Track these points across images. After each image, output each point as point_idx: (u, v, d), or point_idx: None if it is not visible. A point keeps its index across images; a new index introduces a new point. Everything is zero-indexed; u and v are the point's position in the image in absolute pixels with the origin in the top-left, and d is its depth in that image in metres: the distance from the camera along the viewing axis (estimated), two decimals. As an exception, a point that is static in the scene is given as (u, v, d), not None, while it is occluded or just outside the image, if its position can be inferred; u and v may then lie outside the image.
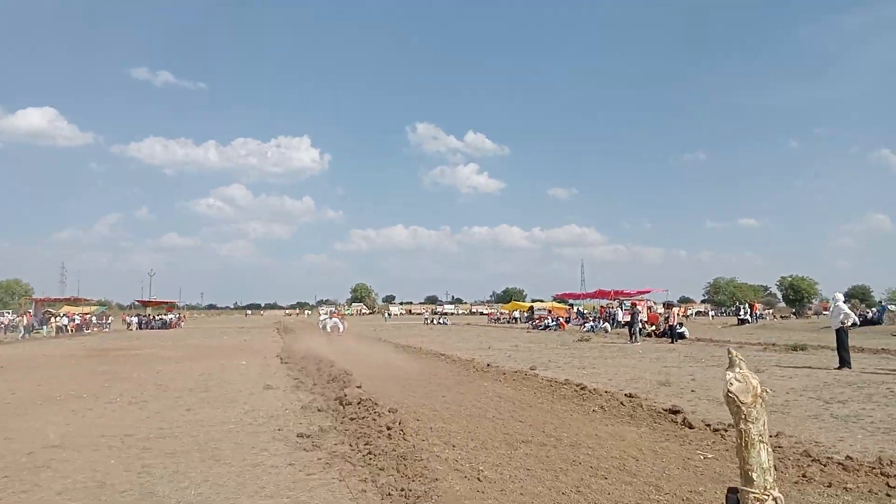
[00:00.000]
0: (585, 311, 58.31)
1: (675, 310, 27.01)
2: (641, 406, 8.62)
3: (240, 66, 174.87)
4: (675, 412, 8.15)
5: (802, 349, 19.74)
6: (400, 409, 8.61)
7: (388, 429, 6.89)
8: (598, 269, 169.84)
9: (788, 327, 40.47)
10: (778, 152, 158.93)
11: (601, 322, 38.75)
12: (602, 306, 47.71)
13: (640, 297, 46.42)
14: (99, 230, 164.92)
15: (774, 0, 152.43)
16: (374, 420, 7.61)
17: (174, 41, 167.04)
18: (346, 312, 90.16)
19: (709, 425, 7.46)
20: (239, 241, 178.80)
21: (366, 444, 6.47)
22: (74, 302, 61.69)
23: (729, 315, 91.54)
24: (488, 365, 14.98)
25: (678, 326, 25.96)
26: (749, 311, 45.43)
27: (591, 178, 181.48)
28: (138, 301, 78.31)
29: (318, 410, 8.87)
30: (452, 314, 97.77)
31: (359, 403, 8.79)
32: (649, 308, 45.65)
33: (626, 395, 9.74)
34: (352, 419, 8.07)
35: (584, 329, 37.36)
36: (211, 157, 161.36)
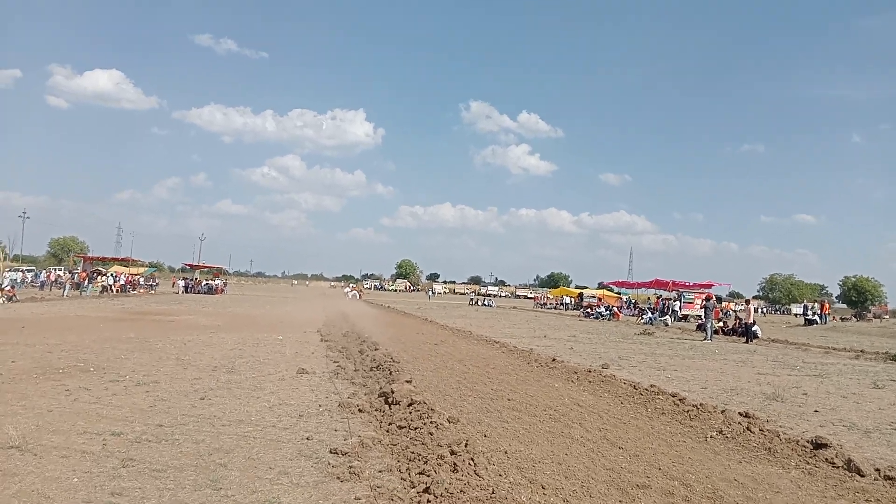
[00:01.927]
0: (635, 301, 55.78)
1: (752, 306, 24.53)
2: (777, 435, 6.62)
3: (301, 38, 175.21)
4: (822, 445, 6.15)
5: (904, 360, 17.27)
6: (461, 417, 6.82)
7: (452, 453, 5.08)
8: (646, 258, 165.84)
9: (862, 331, 37.42)
10: (840, 147, 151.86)
11: (660, 314, 36.35)
12: (658, 297, 45.07)
13: (701, 289, 43.64)
14: (157, 193, 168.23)
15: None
16: (431, 434, 5.82)
17: (239, 9, 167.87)
18: (366, 287, 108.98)
19: (878, 470, 5.47)
20: (291, 210, 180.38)
21: (422, 476, 4.68)
22: (125, 262, 61.80)
23: (783, 313, 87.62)
24: (553, 359, 13.07)
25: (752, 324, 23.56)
26: (819, 311, 42.28)
27: (645, 165, 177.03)
28: (187, 265, 78.43)
29: (360, 411, 7.13)
30: (497, 296, 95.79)
31: (409, 406, 7.03)
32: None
33: (740, 414, 7.76)
34: (400, 427, 6.31)
35: (643, 321, 35.06)
36: (268, 126, 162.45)
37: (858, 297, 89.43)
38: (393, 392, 7.65)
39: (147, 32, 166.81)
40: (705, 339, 22.74)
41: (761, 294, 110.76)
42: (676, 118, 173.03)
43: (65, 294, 38.42)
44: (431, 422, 6.22)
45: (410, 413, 6.71)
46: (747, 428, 6.89)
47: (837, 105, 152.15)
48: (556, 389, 9.48)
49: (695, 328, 29.62)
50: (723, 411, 7.85)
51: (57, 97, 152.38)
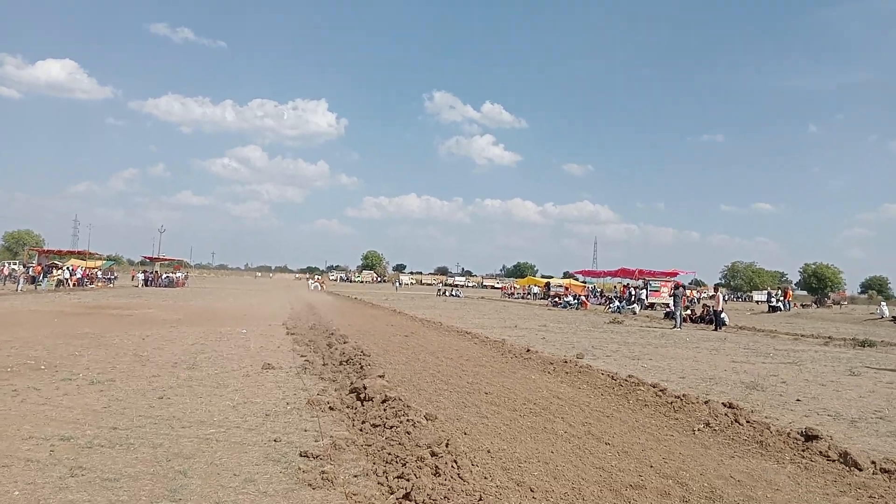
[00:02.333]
0: (601, 290, 56.12)
1: (720, 294, 24.65)
2: (766, 427, 6.40)
3: (260, 27, 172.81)
4: (813, 437, 5.95)
5: (871, 345, 17.45)
6: (438, 414, 6.46)
7: (433, 454, 4.72)
8: (610, 247, 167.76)
9: (825, 317, 38.17)
10: (797, 137, 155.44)
11: (627, 302, 36.49)
12: (624, 286, 45.32)
13: (667, 278, 44.01)
14: (114, 185, 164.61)
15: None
16: (409, 434, 5.45)
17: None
18: (331, 279, 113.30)
19: (874, 463, 5.27)
20: (253, 202, 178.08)
21: (401, 480, 4.31)
22: (82, 255, 59.97)
23: (745, 300, 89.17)
24: (527, 350, 12.79)
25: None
26: (783, 298, 42.95)
27: (607, 156, 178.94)
28: (146, 257, 76.62)
29: (330, 409, 6.72)
30: (464, 286, 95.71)
31: (384, 402, 6.64)
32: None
33: (724, 405, 7.55)
34: (375, 426, 5.92)
35: (611, 309, 35.14)
36: (228, 116, 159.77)
37: (818, 284, 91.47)
38: (365, 388, 7.25)
39: (101, 21, 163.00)
40: (675, 327, 22.77)
41: (723, 282, 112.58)
42: (638, 109, 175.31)
43: (18, 289, 36.97)
44: (408, 419, 5.85)
45: (385, 410, 6.33)
46: (735, 420, 6.67)
47: (794, 95, 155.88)
48: (534, 381, 9.18)
49: (663, 316, 29.78)
50: (706, 402, 7.63)
51: (8, 87, 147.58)
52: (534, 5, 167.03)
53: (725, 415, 6.92)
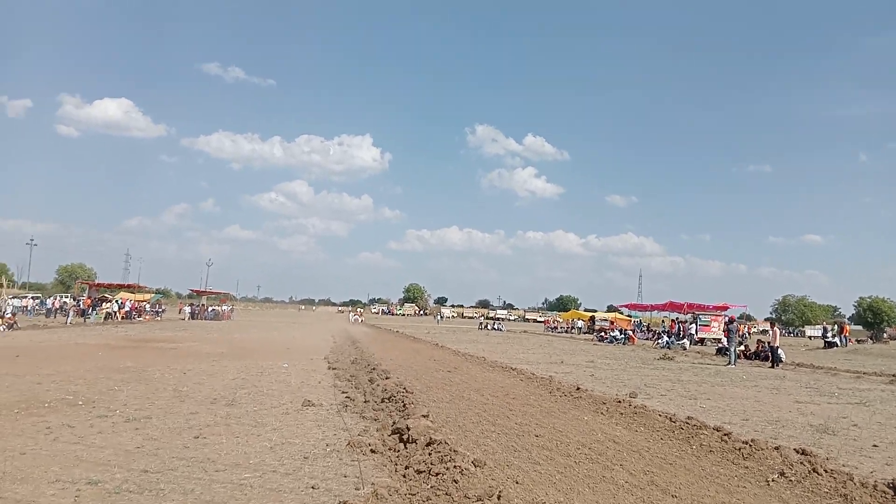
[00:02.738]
0: (648, 324, 54.66)
1: (777, 330, 23.58)
2: (849, 478, 5.78)
3: (307, 65, 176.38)
4: (907, 495, 5.32)
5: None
6: (487, 459, 6.01)
7: (484, 509, 4.29)
8: (654, 280, 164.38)
9: (884, 353, 36.19)
10: (847, 167, 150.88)
11: (677, 337, 35.33)
12: (673, 320, 44.00)
13: (717, 312, 42.62)
14: (166, 220, 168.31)
15: (849, 8, 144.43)
16: (456, 483, 5.02)
17: (246, 37, 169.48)
18: (373, 311, 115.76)
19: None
20: (299, 236, 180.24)
21: (449, 539, 3.89)
22: (132, 289, 61.22)
23: (796, 335, 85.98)
24: (577, 388, 12.21)
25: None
26: (839, 333, 41.08)
27: (651, 187, 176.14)
28: (193, 290, 77.93)
29: (372, 451, 6.33)
30: (506, 320, 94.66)
31: (428, 445, 6.22)
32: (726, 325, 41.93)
33: (796, 451, 6.93)
34: (419, 472, 5.50)
35: (660, 345, 34.05)
36: (276, 152, 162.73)
37: (874, 319, 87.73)
38: (409, 428, 6.84)
39: (155, 61, 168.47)
40: (729, 363, 21.78)
41: (774, 316, 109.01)
42: (682, 139, 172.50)
43: (68, 321, 37.75)
44: (455, 466, 5.42)
45: (430, 454, 5.90)
46: (812, 469, 6.05)
47: (843, 124, 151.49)
48: (586, 423, 8.64)
49: (714, 352, 28.65)
50: (776, 448, 7.01)
51: (67, 126, 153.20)
52: (573, 36, 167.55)
53: (801, 463, 6.31)
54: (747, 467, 6.36)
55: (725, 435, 7.69)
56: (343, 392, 10.79)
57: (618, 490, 5.35)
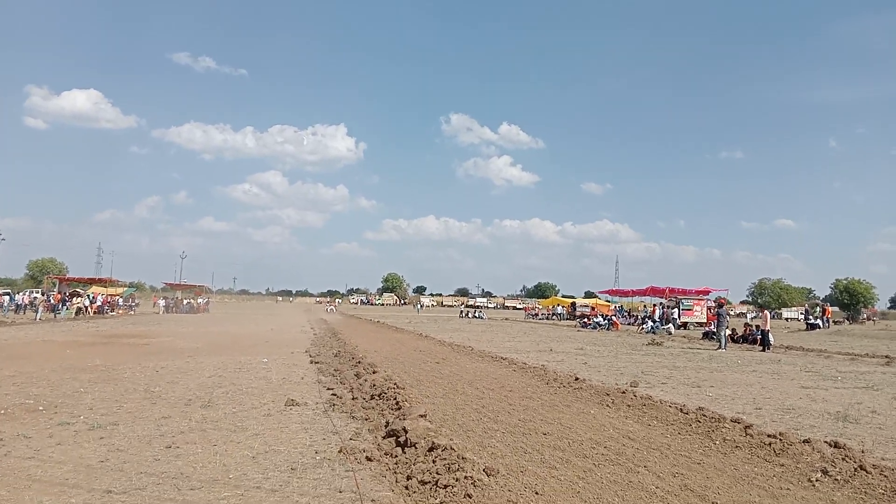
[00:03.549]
0: (629, 310, 54.49)
1: (767, 313, 23.26)
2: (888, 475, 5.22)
3: (279, 54, 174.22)
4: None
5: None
6: (499, 465, 5.35)
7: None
8: (631, 266, 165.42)
9: (868, 334, 36.31)
10: (817, 152, 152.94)
11: (662, 322, 35.05)
12: (658, 305, 43.78)
13: (699, 296, 42.51)
14: (138, 212, 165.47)
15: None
16: (470, 497, 4.35)
17: (217, 27, 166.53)
18: (352, 302, 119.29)
19: None
20: (274, 227, 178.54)
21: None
22: (104, 283, 59.65)
23: (774, 318, 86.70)
24: (576, 378, 11.62)
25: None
26: (821, 315, 41.19)
27: (626, 174, 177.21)
28: (167, 284, 76.32)
29: (368, 459, 5.63)
30: (486, 307, 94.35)
31: (430, 451, 5.54)
32: (709, 309, 41.82)
33: (827, 444, 6.38)
34: (424, 483, 4.83)
35: (645, 330, 33.72)
36: (249, 143, 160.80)
37: (851, 300, 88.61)
38: (406, 431, 6.16)
39: (125, 51, 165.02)
40: (719, 347, 21.42)
41: (750, 299, 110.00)
42: (655, 127, 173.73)
43: (38, 317, 36.45)
44: (465, 476, 4.75)
45: (434, 462, 5.23)
46: (860, 466, 5.47)
47: (814, 110, 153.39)
48: (594, 417, 8.03)
49: (701, 336, 28.34)
50: (806, 441, 6.45)
51: (35, 118, 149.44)
52: (547, 26, 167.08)
53: (843, 459, 5.74)
54: (782, 465, 5.77)
55: (747, 427, 7.12)
56: (328, 388, 10.07)
57: (651, 498, 4.72)
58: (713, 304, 32.54)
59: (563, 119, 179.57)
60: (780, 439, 6.47)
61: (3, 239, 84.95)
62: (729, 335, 25.79)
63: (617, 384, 11.19)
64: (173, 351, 16.64)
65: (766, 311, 23.15)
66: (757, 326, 24.45)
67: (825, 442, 6.48)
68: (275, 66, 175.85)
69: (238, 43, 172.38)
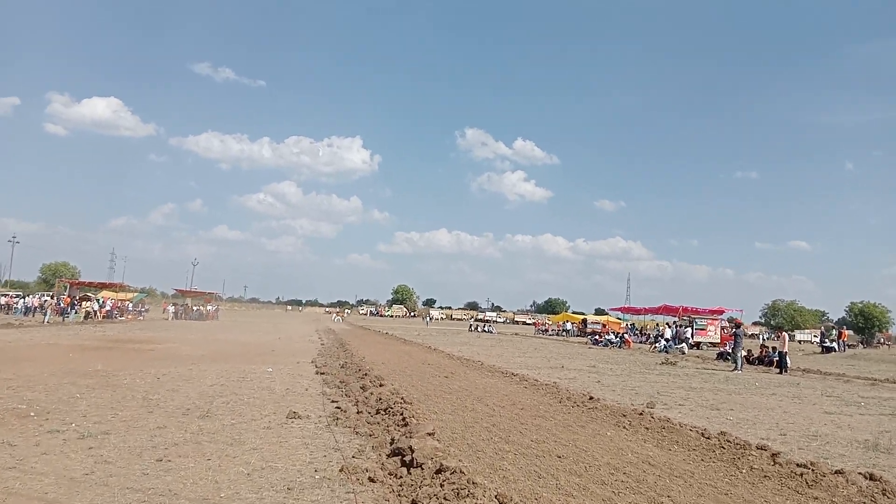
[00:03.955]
0: (641, 328, 53.78)
1: (786, 335, 22.70)
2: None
3: (298, 66, 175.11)
4: None
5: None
6: (512, 492, 4.95)
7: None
8: (643, 284, 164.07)
9: (885, 359, 35.52)
10: (833, 174, 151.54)
11: (675, 341, 34.42)
12: (671, 323, 43.11)
13: (713, 316, 41.82)
14: (153, 219, 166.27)
15: (837, 17, 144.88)
16: (480, 528, 3.97)
17: (237, 38, 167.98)
18: (361, 313, 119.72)
19: None
20: (287, 237, 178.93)
21: None
22: (115, 287, 59.68)
23: (789, 340, 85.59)
24: (590, 398, 11.18)
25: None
26: (837, 338, 40.40)
27: (639, 192, 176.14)
28: (177, 290, 76.25)
29: (371, 480, 5.25)
30: (496, 322, 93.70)
31: (438, 473, 5.16)
32: (723, 329, 41.14)
33: (863, 476, 5.94)
34: (430, 509, 4.45)
35: (657, 349, 33.13)
36: (265, 153, 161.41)
37: (865, 324, 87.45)
38: (413, 450, 5.78)
39: (145, 61, 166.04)
40: (735, 369, 20.86)
41: (763, 320, 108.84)
42: (670, 145, 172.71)
43: (46, 320, 36.35)
44: (475, 503, 4.37)
45: (442, 486, 4.84)
46: (904, 505, 5.04)
47: (830, 131, 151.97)
48: (611, 439, 7.61)
49: (715, 357, 27.73)
50: (838, 472, 6.01)
51: (55, 125, 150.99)
52: (564, 42, 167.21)
53: (883, 493, 5.31)
54: (816, 498, 5.35)
55: (774, 455, 6.69)
56: (332, 401, 9.70)
57: (677, 534, 4.31)
58: (729, 325, 31.93)
59: (577, 135, 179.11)
60: (812, 469, 6.04)
61: (17, 242, 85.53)
62: (744, 356, 25.28)
63: (632, 404, 10.76)
64: (177, 358, 16.33)
65: (784, 334, 22.58)
66: (774, 348, 23.86)
67: (860, 473, 6.05)
68: (292, 78, 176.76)
69: (257, 55, 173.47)
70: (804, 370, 22.52)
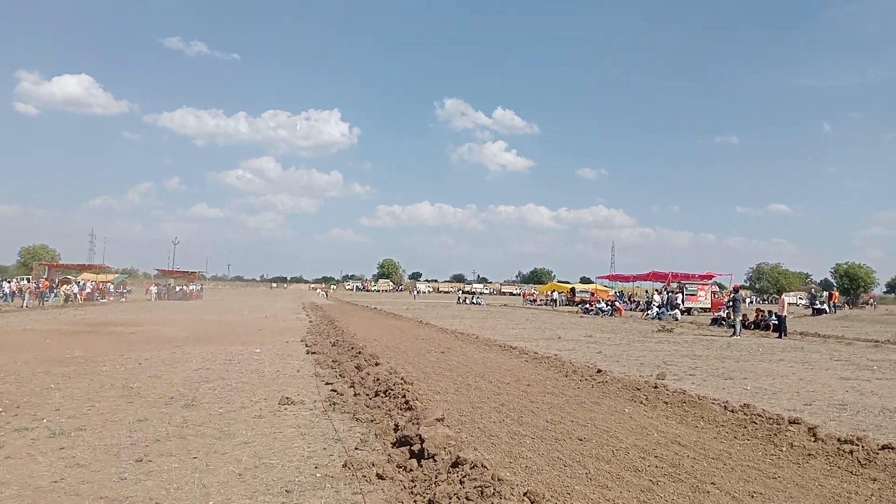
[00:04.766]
0: (630, 295, 53.59)
1: (784, 298, 22.34)
2: None
3: (272, 39, 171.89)
4: None
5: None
6: (542, 487, 4.38)
7: None
8: (626, 251, 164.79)
9: (876, 319, 35.60)
10: (811, 137, 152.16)
11: (668, 307, 34.13)
12: (662, 290, 42.85)
13: (703, 281, 41.63)
14: (131, 199, 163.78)
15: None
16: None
17: (209, 11, 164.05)
18: (347, 288, 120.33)
19: None
20: (268, 213, 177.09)
21: None
22: (96, 269, 58.50)
23: (772, 302, 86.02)
24: (598, 371, 10.66)
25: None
26: (828, 300, 40.42)
27: (620, 159, 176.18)
28: (159, 270, 75.05)
29: (379, 478, 4.65)
30: (483, 293, 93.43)
31: (454, 467, 4.57)
32: (713, 293, 40.99)
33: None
34: (450, 511, 3.86)
35: (650, 316, 32.84)
36: (241, 128, 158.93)
37: (851, 285, 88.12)
38: (423, 439, 5.18)
39: (116, 36, 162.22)
40: (734, 334, 20.51)
41: (748, 284, 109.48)
42: (650, 112, 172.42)
43: (24, 304, 35.38)
44: (498, 496, 3.78)
45: (462, 483, 4.24)
46: (977, 486, 4.53)
47: (808, 95, 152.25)
48: (631, 417, 7.07)
49: (710, 322, 27.43)
50: (886, 447, 5.49)
51: (25, 104, 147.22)
52: (542, 10, 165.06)
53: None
54: (875, 479, 4.83)
55: (811, 429, 6.17)
56: (327, 383, 9.09)
57: (737, 532, 3.76)
58: (729, 290, 31.62)
59: (557, 104, 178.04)
60: (861, 445, 5.52)
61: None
62: (741, 320, 24.98)
63: (642, 376, 10.25)
64: (160, 340, 15.64)
65: (783, 297, 22.21)
66: (770, 312, 23.55)
67: (909, 447, 5.53)
68: (267, 50, 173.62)
69: (230, 27, 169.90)
70: (802, 333, 22.21)
